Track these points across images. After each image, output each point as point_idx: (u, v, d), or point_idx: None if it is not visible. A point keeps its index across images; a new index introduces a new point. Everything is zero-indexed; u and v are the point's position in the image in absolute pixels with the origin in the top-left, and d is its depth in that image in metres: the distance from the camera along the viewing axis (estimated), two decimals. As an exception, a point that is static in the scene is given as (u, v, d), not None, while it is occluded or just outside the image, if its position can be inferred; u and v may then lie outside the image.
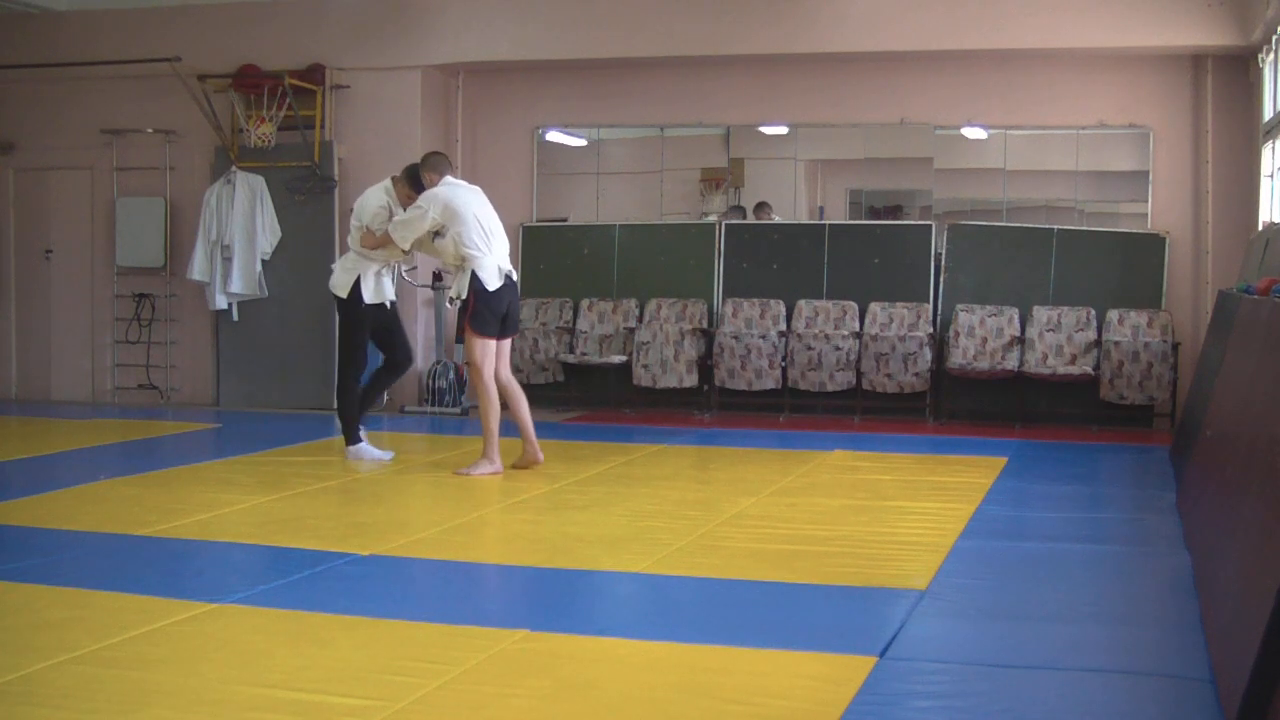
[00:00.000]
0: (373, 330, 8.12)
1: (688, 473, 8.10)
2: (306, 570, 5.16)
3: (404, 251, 7.91)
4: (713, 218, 11.24)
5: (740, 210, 11.31)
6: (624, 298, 11.02)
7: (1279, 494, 3.51)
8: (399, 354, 8.27)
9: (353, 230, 8.08)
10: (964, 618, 4.57)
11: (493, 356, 7.56)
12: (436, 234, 7.60)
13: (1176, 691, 3.77)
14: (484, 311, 7.44)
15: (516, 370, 10.89)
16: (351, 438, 8.10)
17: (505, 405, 7.66)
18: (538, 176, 11.53)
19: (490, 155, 11.53)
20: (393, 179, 8.03)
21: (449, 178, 7.63)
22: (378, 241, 7.88)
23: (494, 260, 7.44)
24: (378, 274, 8.00)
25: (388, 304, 8.14)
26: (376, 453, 8.06)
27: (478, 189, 7.75)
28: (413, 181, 7.82)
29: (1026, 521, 6.41)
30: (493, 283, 7.41)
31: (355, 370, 8.09)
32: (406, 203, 7.80)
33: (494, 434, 7.53)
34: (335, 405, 8.43)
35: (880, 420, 10.17)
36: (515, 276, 7.65)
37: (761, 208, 11.29)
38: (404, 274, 10.85)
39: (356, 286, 7.92)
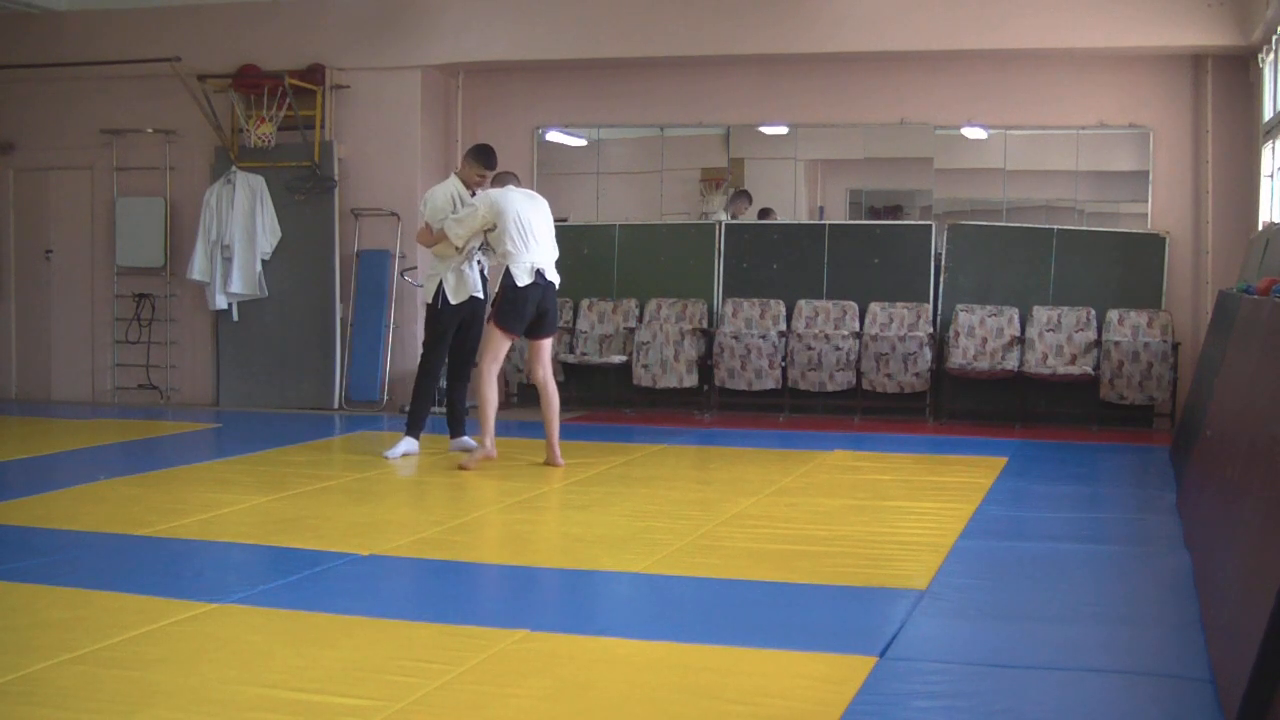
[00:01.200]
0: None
1: (688, 473, 8.10)
2: (306, 570, 5.16)
3: (456, 249, 7.95)
4: (718, 217, 11.22)
5: (746, 195, 11.28)
6: (624, 298, 11.02)
7: (1279, 494, 3.51)
8: (463, 350, 8.31)
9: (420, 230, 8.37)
10: (964, 618, 4.57)
11: (503, 352, 7.78)
12: (490, 230, 7.75)
13: (1176, 691, 3.77)
14: (508, 307, 7.62)
15: (516, 370, 10.93)
16: (411, 430, 8.22)
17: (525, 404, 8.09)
18: (538, 176, 11.52)
19: (490, 155, 11.52)
20: (460, 166, 8.34)
21: (511, 186, 7.88)
22: (434, 239, 8.05)
23: (529, 259, 7.59)
24: (458, 271, 8.08)
25: (478, 296, 8.15)
26: (401, 453, 8.13)
27: (535, 195, 7.97)
28: (479, 158, 8.14)
29: (1026, 521, 6.40)
30: (523, 279, 7.57)
31: (427, 369, 8.25)
32: (474, 181, 8.10)
33: (490, 422, 7.71)
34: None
35: (880, 420, 10.17)
36: (554, 279, 7.76)
37: (766, 214, 11.29)
38: (405, 276, 10.89)
39: (440, 291, 8.08)
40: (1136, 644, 4.29)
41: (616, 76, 11.19)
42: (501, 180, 7.95)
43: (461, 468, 7.64)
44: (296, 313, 11.10)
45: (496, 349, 7.72)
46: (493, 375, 7.73)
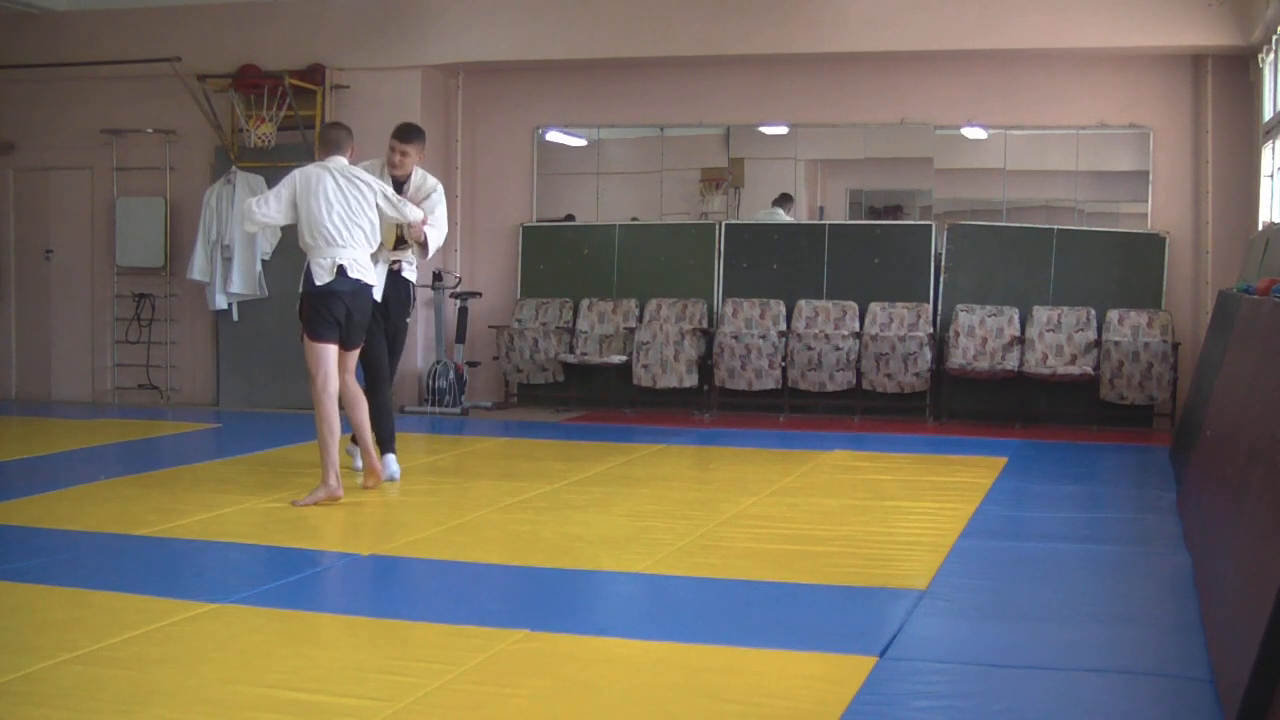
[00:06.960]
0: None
1: (688, 473, 8.10)
2: (306, 570, 5.16)
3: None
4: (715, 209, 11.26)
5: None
6: (624, 298, 11.02)
7: (1279, 494, 3.50)
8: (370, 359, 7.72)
9: None
10: (964, 618, 4.57)
11: (329, 364, 6.65)
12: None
13: (1176, 691, 3.77)
14: (311, 312, 6.68)
15: (516, 370, 10.92)
16: None
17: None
18: (538, 176, 11.52)
19: (490, 155, 11.53)
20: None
21: (337, 157, 6.85)
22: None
23: (331, 254, 6.59)
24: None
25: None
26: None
27: (357, 176, 6.82)
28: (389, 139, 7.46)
29: (1026, 521, 6.41)
30: (321, 278, 6.60)
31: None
32: (392, 163, 7.38)
33: (330, 453, 6.60)
34: None
35: (880, 420, 10.17)
36: (364, 277, 6.73)
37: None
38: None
39: None
40: (1136, 644, 4.29)
41: (616, 76, 11.19)
42: (331, 139, 6.89)
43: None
44: (296, 313, 11.07)
45: (315, 361, 6.62)
46: (325, 397, 6.59)
